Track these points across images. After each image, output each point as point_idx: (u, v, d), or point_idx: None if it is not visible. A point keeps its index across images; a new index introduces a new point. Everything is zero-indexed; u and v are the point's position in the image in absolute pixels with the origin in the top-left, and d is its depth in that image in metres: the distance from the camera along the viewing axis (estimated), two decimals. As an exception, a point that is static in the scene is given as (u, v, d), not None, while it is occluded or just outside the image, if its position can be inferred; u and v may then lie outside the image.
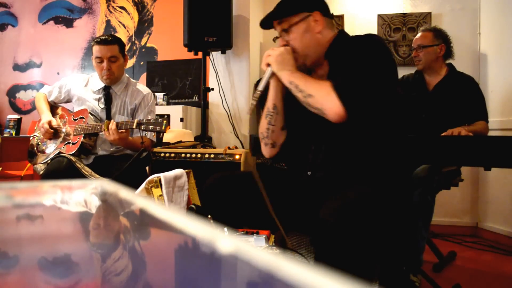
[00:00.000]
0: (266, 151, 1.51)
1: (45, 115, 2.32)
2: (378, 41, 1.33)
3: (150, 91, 2.39)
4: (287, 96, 1.42)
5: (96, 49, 2.23)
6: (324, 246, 1.11)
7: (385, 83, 1.28)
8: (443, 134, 2.02)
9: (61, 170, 2.07)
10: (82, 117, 2.25)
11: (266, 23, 1.43)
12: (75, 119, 2.28)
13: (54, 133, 2.29)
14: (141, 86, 2.40)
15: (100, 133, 2.22)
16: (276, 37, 1.47)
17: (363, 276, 1.11)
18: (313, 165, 1.40)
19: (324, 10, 1.40)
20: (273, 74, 1.38)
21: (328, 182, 1.34)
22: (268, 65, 1.37)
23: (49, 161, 2.22)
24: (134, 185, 1.88)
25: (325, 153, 1.37)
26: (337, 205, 1.11)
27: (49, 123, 2.25)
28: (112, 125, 2.05)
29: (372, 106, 1.26)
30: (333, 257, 1.08)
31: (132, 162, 2.12)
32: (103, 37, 2.24)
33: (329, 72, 1.39)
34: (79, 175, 2.07)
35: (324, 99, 1.23)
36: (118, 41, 2.27)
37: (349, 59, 1.29)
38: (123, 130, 2.07)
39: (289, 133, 1.48)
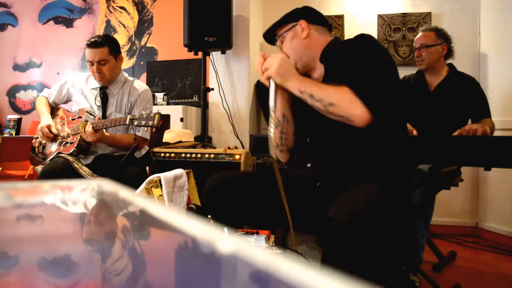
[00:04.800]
0: (282, 157, 1.56)
1: (44, 118, 2.32)
2: (374, 41, 1.36)
3: (146, 88, 2.36)
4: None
5: (86, 52, 2.23)
6: (332, 247, 1.10)
7: (396, 82, 1.33)
8: (455, 133, 1.88)
9: (58, 170, 2.06)
10: (80, 117, 2.24)
11: (269, 40, 1.55)
12: (73, 119, 2.28)
13: (54, 137, 2.28)
14: (138, 83, 2.37)
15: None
16: None
17: (372, 279, 1.09)
18: (312, 158, 1.38)
19: (312, 18, 1.47)
20: (277, 86, 1.34)
21: (331, 180, 1.33)
22: (269, 78, 1.33)
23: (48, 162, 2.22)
24: (134, 185, 1.88)
25: (323, 145, 1.37)
26: (344, 205, 1.10)
27: (49, 127, 2.25)
28: (89, 128, 2.06)
29: (392, 107, 1.29)
30: (342, 258, 1.06)
31: (125, 160, 2.11)
32: (93, 40, 2.21)
33: (325, 75, 1.42)
34: (76, 175, 2.06)
35: (349, 107, 1.22)
36: (108, 43, 2.22)
37: (347, 61, 1.31)
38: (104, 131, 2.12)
39: None
